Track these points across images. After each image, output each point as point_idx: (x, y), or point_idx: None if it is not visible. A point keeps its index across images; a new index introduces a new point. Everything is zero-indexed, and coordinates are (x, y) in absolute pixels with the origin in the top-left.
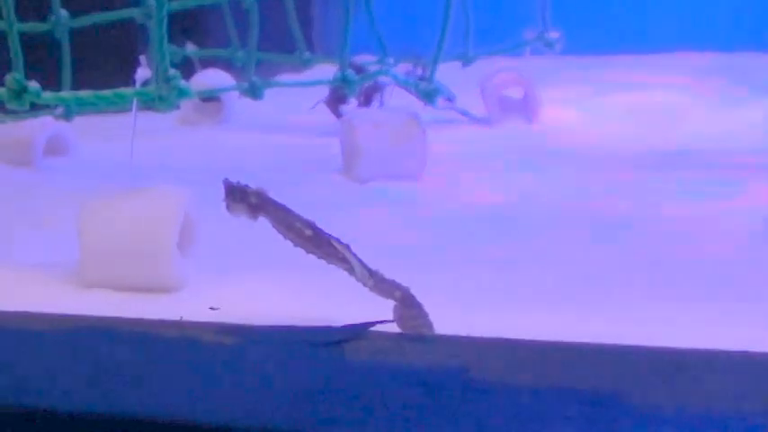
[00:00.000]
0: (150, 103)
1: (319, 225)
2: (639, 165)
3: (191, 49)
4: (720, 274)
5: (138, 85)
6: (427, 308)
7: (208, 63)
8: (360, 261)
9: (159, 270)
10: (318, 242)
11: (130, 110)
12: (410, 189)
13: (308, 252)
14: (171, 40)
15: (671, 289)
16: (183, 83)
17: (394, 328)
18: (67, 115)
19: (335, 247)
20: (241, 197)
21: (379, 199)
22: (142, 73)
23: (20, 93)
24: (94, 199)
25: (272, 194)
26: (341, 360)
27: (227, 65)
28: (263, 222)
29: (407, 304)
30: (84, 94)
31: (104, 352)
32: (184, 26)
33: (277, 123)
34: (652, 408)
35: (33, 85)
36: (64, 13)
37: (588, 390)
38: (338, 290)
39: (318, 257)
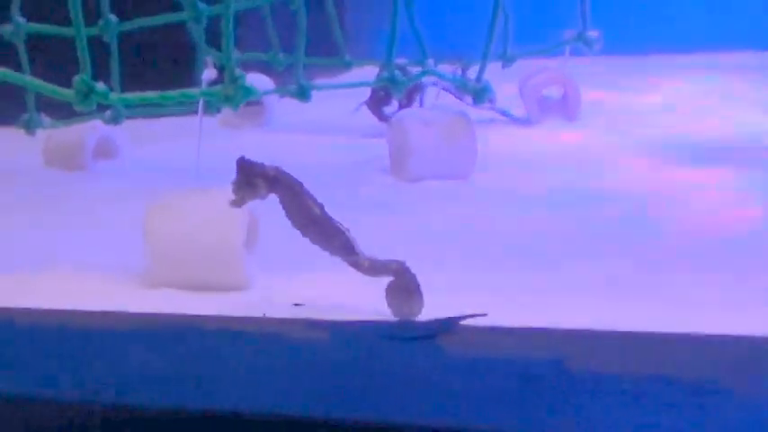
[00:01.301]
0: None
1: (377, 224)
2: (688, 160)
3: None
4: None
5: (204, 86)
6: (507, 302)
7: (245, 67)
8: (355, 245)
9: (228, 269)
10: (324, 224)
11: (181, 113)
12: (462, 188)
13: (304, 235)
14: (211, 43)
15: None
16: (248, 83)
17: (484, 321)
18: (116, 119)
19: (338, 230)
20: (256, 174)
21: (433, 198)
22: (208, 74)
23: (87, 94)
24: (159, 200)
25: (326, 194)
26: (435, 354)
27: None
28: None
29: (403, 275)
30: (150, 94)
31: (191, 349)
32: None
33: (318, 125)
34: (752, 396)
35: (100, 86)
36: (113, 17)
37: (686, 379)
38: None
39: (313, 242)
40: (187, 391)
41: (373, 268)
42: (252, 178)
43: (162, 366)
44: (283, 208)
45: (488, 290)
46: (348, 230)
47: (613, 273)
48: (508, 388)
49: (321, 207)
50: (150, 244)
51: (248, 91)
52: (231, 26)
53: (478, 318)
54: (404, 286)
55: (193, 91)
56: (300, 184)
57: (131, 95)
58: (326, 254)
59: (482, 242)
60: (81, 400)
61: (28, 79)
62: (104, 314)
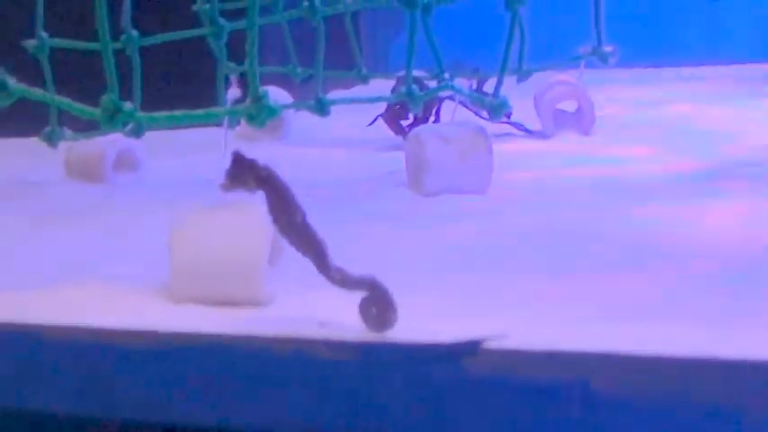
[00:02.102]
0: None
1: (392, 237)
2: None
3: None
4: None
5: (229, 104)
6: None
7: (262, 80)
8: (328, 257)
9: (252, 284)
10: (303, 232)
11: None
12: (480, 202)
13: (283, 236)
14: (230, 58)
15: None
16: (272, 101)
17: (509, 343)
18: (137, 132)
19: (314, 240)
20: (248, 171)
21: (452, 212)
22: (233, 93)
23: (114, 114)
24: (183, 214)
25: (344, 208)
26: (460, 375)
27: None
28: (342, 237)
29: (375, 290)
30: (177, 113)
31: (222, 368)
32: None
33: (334, 139)
34: None
35: (127, 105)
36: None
37: (712, 404)
38: (426, 303)
39: (292, 245)
40: (215, 410)
41: (344, 281)
42: (243, 173)
43: (189, 386)
44: (268, 206)
45: (503, 307)
46: (324, 242)
47: (639, 289)
48: (533, 410)
49: (303, 215)
50: (174, 258)
51: (272, 110)
52: (255, 46)
53: (500, 339)
54: (376, 300)
55: (218, 110)
56: (288, 189)
57: (158, 114)
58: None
59: (499, 257)
60: (105, 417)
61: (56, 98)
62: (129, 332)
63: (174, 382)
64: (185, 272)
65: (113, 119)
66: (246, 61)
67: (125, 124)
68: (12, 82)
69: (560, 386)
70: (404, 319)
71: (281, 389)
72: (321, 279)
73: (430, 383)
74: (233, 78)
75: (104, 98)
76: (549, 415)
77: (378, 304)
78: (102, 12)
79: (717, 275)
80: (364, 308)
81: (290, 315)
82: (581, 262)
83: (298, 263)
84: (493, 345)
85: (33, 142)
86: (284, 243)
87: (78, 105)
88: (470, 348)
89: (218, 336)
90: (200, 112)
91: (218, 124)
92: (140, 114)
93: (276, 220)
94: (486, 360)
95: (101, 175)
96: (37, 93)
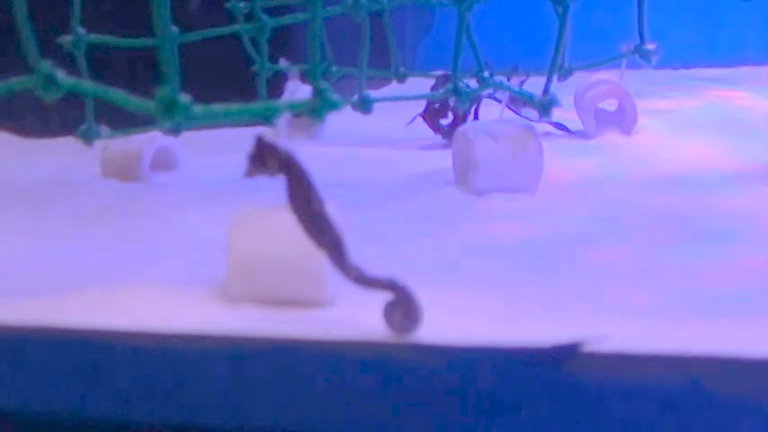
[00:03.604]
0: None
1: (447, 235)
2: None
3: (284, 64)
4: None
5: (286, 95)
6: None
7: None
8: (343, 248)
9: (312, 284)
10: (320, 223)
11: (237, 124)
12: (530, 201)
13: (299, 224)
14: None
15: None
16: (333, 96)
17: (610, 345)
18: (176, 130)
19: (331, 229)
20: (270, 154)
21: (502, 211)
22: (292, 85)
23: (170, 107)
24: (242, 212)
25: (391, 207)
26: (563, 380)
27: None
28: (399, 236)
29: (397, 291)
30: (234, 107)
31: (295, 373)
32: (275, 42)
33: (371, 138)
34: None
35: (183, 98)
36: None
37: None
38: (498, 305)
39: (306, 233)
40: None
41: (360, 279)
42: (265, 156)
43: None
44: (287, 192)
45: (561, 306)
46: (342, 236)
47: (688, 292)
48: (639, 414)
49: (321, 203)
50: (232, 258)
51: (333, 104)
52: (318, 39)
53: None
54: (400, 302)
55: (278, 103)
56: (308, 175)
57: (215, 108)
58: (414, 273)
59: (558, 257)
60: (155, 421)
61: (110, 91)
62: (188, 336)
63: (242, 385)
64: (244, 271)
65: (170, 112)
66: (310, 53)
67: (180, 119)
68: (60, 75)
69: (670, 388)
70: (454, 321)
71: (359, 394)
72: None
73: (528, 388)
74: (294, 70)
75: (160, 90)
76: (662, 419)
77: (401, 306)
78: (162, 3)
79: None
80: (389, 311)
81: (351, 315)
82: (630, 265)
83: (358, 259)
84: (595, 348)
85: (68, 142)
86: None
87: (133, 99)
88: (571, 352)
89: (289, 339)
90: (258, 106)
91: (256, 123)
92: (199, 109)
93: (295, 208)
94: (589, 363)
95: (138, 174)
96: (87, 86)
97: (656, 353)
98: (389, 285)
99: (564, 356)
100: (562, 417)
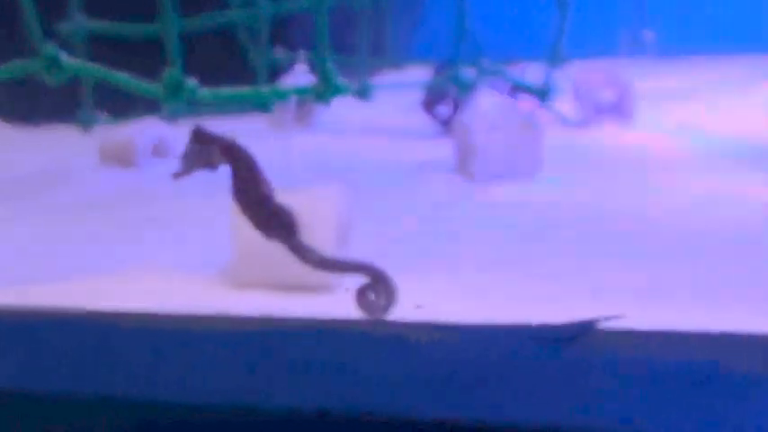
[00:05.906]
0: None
1: (453, 223)
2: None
3: (279, 53)
4: None
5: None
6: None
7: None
8: (296, 229)
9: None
10: (269, 204)
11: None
12: (531, 189)
13: (243, 212)
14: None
15: None
16: (340, 80)
17: (623, 323)
18: (173, 117)
19: (283, 211)
20: (211, 143)
21: (502, 197)
22: (299, 69)
23: (177, 89)
24: None
25: (394, 195)
26: (579, 357)
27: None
28: (401, 222)
29: (369, 274)
30: (242, 90)
31: (309, 352)
32: (272, 31)
33: (368, 127)
34: None
35: (190, 81)
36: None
37: None
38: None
39: (251, 221)
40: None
41: (323, 263)
42: (207, 145)
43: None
44: (232, 179)
45: (562, 287)
46: (296, 222)
47: (687, 275)
48: (658, 392)
49: (270, 188)
50: (238, 243)
51: (339, 89)
52: (325, 27)
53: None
54: (374, 285)
55: (285, 88)
56: (255, 161)
57: (222, 91)
58: (420, 259)
59: (562, 240)
60: (161, 400)
61: (118, 75)
62: (201, 317)
63: (258, 367)
64: (251, 255)
65: (176, 94)
66: (317, 40)
67: (187, 100)
68: (64, 57)
69: (689, 366)
70: (459, 303)
71: (378, 372)
72: (387, 263)
73: (547, 364)
74: (301, 55)
75: (166, 73)
76: (677, 397)
77: (376, 288)
78: None
79: None
80: (361, 294)
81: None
82: (631, 248)
83: (371, 245)
84: (610, 325)
85: (66, 129)
86: (353, 225)
87: (139, 82)
88: (586, 329)
89: (300, 320)
90: (265, 89)
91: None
92: (206, 92)
93: (238, 194)
94: (605, 341)
95: (135, 160)
96: (91, 69)
97: (669, 330)
98: (360, 268)
99: (580, 333)
100: (575, 394)
